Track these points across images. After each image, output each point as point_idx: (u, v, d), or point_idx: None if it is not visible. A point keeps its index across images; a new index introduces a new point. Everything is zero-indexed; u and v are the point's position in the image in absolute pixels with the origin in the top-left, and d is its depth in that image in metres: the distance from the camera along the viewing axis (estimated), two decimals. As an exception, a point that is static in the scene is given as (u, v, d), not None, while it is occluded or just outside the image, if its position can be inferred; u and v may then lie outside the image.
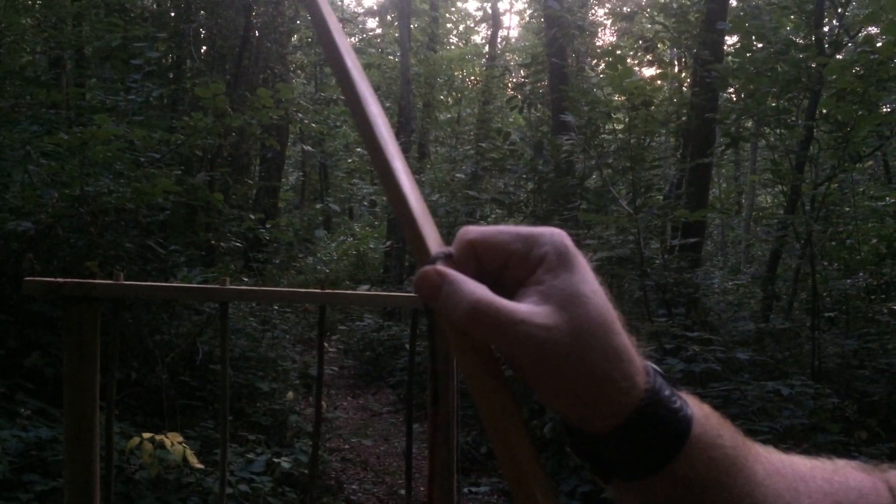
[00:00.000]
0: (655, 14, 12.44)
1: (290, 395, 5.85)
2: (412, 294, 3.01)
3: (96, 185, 5.03)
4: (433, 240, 0.47)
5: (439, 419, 3.07)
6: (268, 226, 7.90)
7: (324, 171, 18.85)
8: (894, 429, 5.06)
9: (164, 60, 9.44)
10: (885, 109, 7.22)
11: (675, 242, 7.81)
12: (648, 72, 14.14)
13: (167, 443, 3.89)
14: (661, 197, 9.17)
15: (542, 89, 13.10)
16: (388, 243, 13.26)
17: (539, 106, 12.90)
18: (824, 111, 7.06)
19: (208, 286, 3.59)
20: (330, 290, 2.99)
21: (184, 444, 3.92)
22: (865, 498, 0.56)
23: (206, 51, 10.87)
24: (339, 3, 22.44)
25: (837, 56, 7.92)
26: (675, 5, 11.21)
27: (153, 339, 5.53)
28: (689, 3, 10.76)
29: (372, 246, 14.92)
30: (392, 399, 7.93)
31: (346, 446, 6.27)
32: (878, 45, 6.51)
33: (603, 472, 0.50)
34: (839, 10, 9.29)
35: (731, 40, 9.65)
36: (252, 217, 7.42)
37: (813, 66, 6.69)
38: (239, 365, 5.87)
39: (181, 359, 5.78)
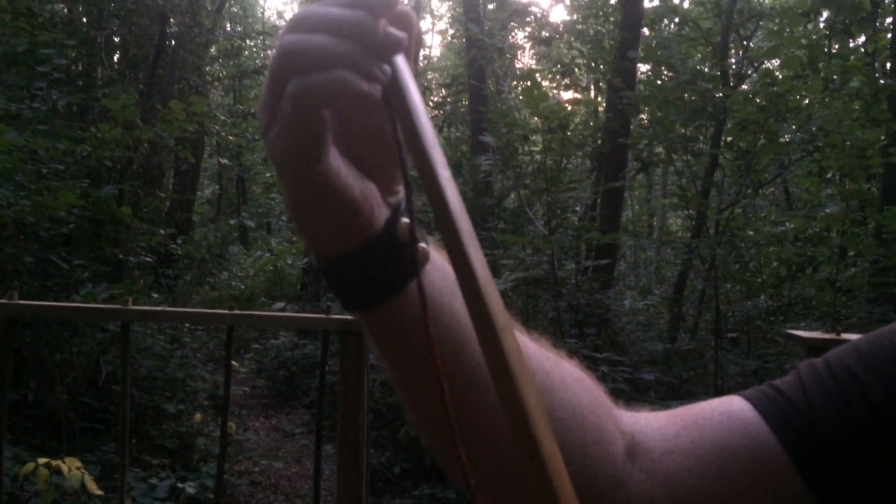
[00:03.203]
0: (572, 39, 12.77)
1: (198, 416, 5.69)
2: (323, 315, 2.94)
3: (-7, 198, 4.81)
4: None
5: (348, 440, 3.04)
6: (179, 241, 7.68)
7: (241, 185, 18.51)
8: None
9: (73, 67, 9.12)
10: (785, 138, 7.60)
11: (588, 263, 7.98)
12: (566, 95, 14.49)
13: (64, 468, 3.72)
14: (575, 219, 9.37)
15: (463, 108, 13.24)
16: (306, 260, 13.10)
17: (459, 126, 13.04)
18: (728, 139, 7.38)
19: (109, 306, 3.46)
20: (238, 312, 2.94)
21: (82, 470, 3.75)
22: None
23: (118, 59, 10.55)
24: (260, 17, 22.16)
25: (743, 86, 8.31)
26: (591, 32, 11.54)
27: (53, 358, 5.30)
28: (603, 30, 11.10)
29: (289, 262, 14.70)
30: (306, 419, 7.80)
31: (257, 469, 6.14)
32: (779, 76, 6.87)
33: (354, 299, 0.52)
34: (744, 43, 9.77)
35: (643, 68, 10.01)
36: (163, 232, 7.21)
37: (718, 95, 7.00)
38: (145, 385, 5.67)
39: (83, 379, 5.55)
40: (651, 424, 0.63)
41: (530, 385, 0.38)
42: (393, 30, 0.43)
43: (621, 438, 0.60)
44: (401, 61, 0.44)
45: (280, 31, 0.45)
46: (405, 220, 0.50)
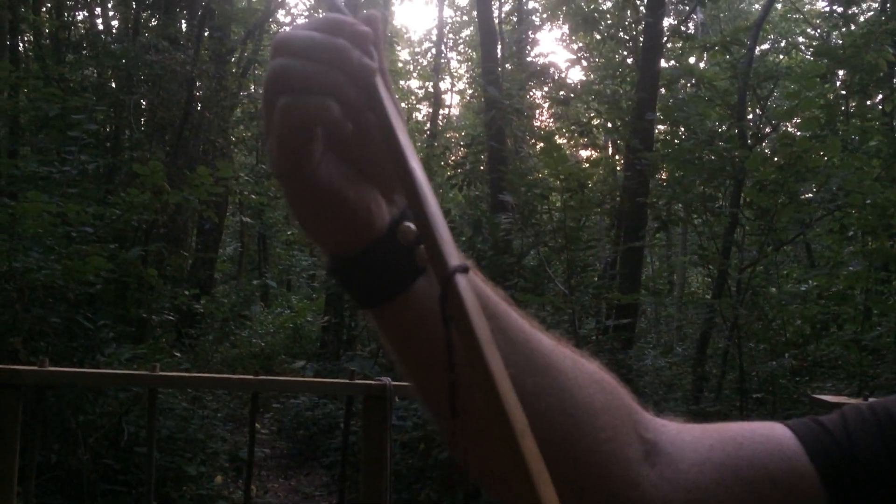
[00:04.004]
0: (590, 99, 12.94)
1: (219, 478, 5.66)
2: (347, 381, 2.96)
3: (25, 261, 4.90)
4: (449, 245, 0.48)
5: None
6: (202, 301, 7.76)
7: (263, 243, 18.71)
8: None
9: (102, 129, 9.36)
10: (807, 195, 7.59)
11: (608, 323, 7.95)
12: (585, 153, 14.64)
13: (86, 533, 3.72)
14: (596, 277, 9.37)
15: (482, 167, 13.38)
16: (326, 318, 13.14)
17: (478, 184, 13.15)
18: (748, 199, 7.39)
19: (136, 372, 3.50)
20: (263, 377, 2.96)
21: (103, 534, 3.75)
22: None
23: (145, 121, 10.82)
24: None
25: (763, 143, 8.35)
26: (608, 92, 11.69)
27: (76, 418, 5.32)
28: (621, 91, 11.24)
29: (309, 319, 14.74)
30: (325, 480, 7.72)
31: (276, 532, 6.07)
32: (798, 134, 6.90)
33: (362, 298, 0.55)
34: (761, 102, 9.85)
35: (661, 127, 10.10)
36: (186, 293, 7.29)
37: (736, 155, 7.03)
38: (166, 447, 5.66)
39: (105, 439, 5.55)
40: (682, 436, 0.64)
41: (553, 492, 0.40)
42: (366, 59, 0.48)
43: (640, 443, 0.61)
44: (379, 84, 0.49)
45: (269, 51, 0.50)
46: (408, 223, 0.53)
